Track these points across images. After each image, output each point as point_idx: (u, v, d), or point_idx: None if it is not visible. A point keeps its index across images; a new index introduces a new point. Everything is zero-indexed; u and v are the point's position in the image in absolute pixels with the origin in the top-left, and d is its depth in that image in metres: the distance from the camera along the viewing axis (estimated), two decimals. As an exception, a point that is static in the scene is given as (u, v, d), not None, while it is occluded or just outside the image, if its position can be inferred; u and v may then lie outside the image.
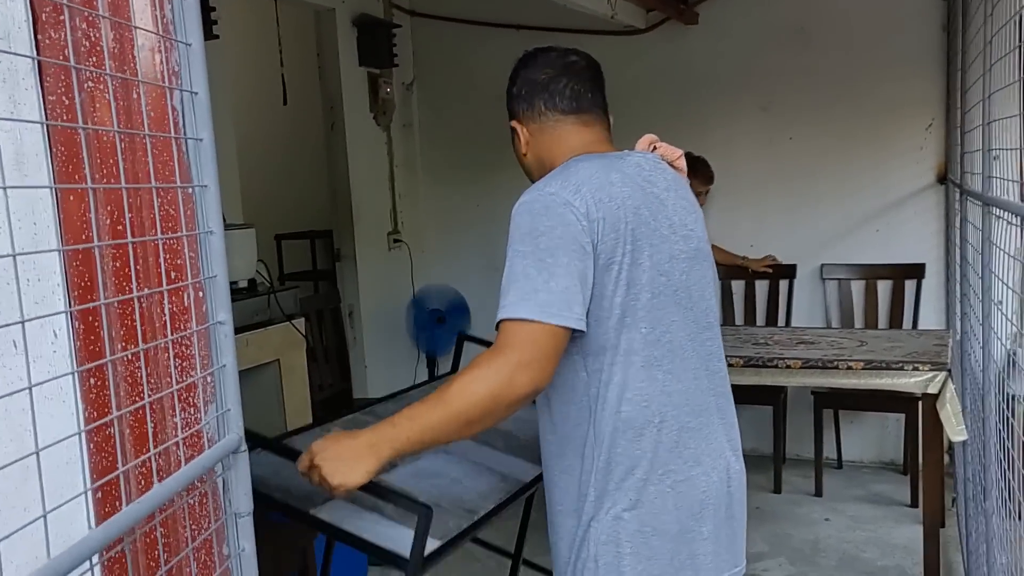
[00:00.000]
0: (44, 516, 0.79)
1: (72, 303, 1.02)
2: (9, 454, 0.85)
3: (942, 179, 3.81)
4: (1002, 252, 1.82)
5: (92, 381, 1.14)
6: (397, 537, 1.43)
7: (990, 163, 1.92)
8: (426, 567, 1.40)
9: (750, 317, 4.11)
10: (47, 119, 0.97)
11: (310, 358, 3.80)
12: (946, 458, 3.44)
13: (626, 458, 1.32)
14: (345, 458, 1.27)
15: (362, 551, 1.48)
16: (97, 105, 1.04)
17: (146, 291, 1.02)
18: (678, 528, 1.35)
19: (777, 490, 3.73)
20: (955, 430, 2.62)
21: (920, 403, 2.86)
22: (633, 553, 1.33)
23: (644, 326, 1.31)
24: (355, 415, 1.95)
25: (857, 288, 3.99)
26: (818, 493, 3.68)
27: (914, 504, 3.47)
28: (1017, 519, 1.65)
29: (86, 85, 1.03)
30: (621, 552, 1.33)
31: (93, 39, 1.02)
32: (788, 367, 2.87)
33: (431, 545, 1.41)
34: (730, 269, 4.00)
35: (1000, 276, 1.85)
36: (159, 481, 1.05)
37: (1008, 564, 1.81)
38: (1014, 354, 1.98)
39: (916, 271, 3.86)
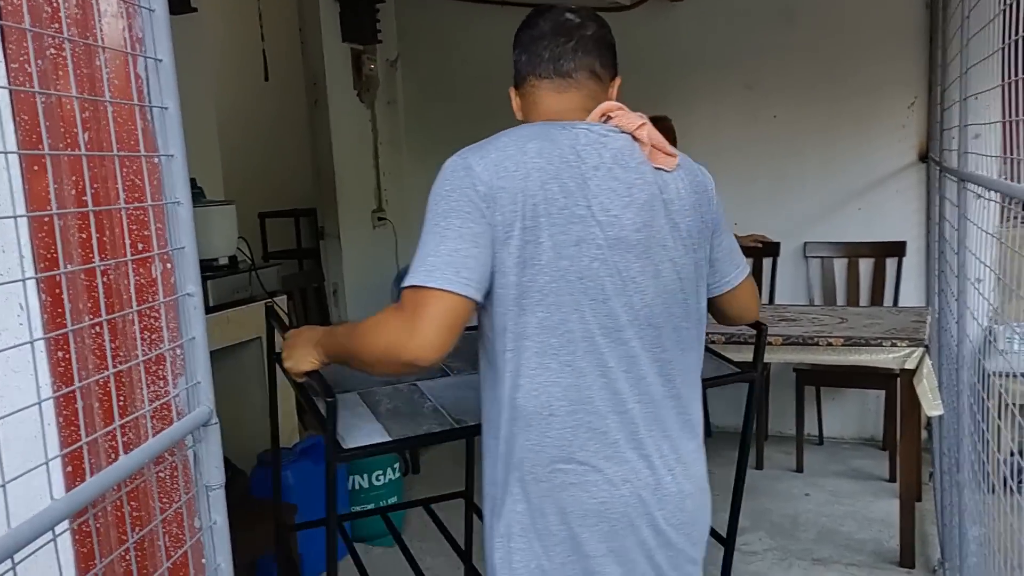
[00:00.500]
0: (3, 485, 0.79)
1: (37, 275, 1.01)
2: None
3: (923, 157, 3.82)
4: (977, 229, 1.83)
5: (60, 354, 1.13)
6: (370, 431, 1.49)
7: (967, 139, 1.93)
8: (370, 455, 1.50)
9: (733, 295, 4.11)
10: (10, 86, 0.96)
11: (293, 336, 3.79)
12: (924, 434, 3.48)
13: (519, 448, 1.25)
14: (298, 348, 1.43)
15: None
16: (60, 73, 1.02)
17: (110, 261, 1.02)
18: (566, 534, 1.26)
19: (759, 466, 3.76)
20: (931, 405, 2.65)
21: (899, 379, 2.88)
22: (523, 550, 1.27)
23: (540, 311, 1.21)
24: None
25: (840, 266, 4.01)
26: (799, 469, 3.72)
27: (892, 479, 3.51)
28: (989, 492, 1.67)
29: (48, 52, 1.02)
30: (513, 548, 1.27)
31: (54, 5, 1.01)
32: (769, 343, 2.89)
33: (373, 438, 1.45)
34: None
35: (976, 253, 1.86)
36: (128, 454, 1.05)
37: (980, 536, 1.84)
38: (989, 332, 2.00)
39: (897, 249, 3.88)
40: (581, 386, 1.23)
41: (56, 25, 0.99)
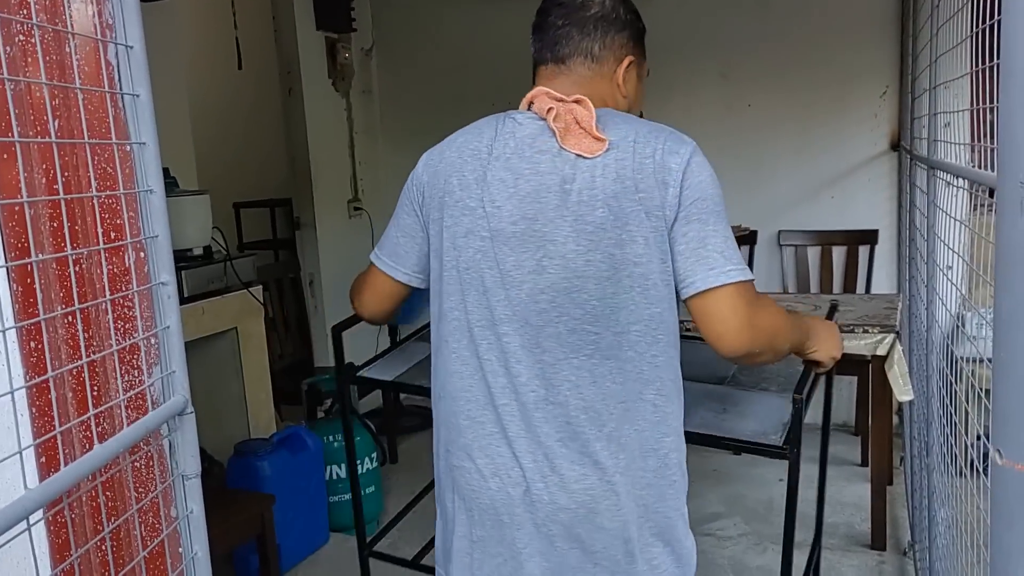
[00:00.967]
0: (-24, 475, 0.78)
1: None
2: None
3: (895, 146, 3.87)
4: (947, 216, 1.86)
5: (32, 344, 1.12)
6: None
7: (936, 127, 1.95)
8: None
9: (709, 283, 4.14)
10: (-25, 74, 0.94)
11: (270, 327, 3.78)
12: (896, 420, 3.54)
13: (434, 423, 1.36)
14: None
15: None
16: (29, 59, 1.01)
17: (82, 250, 1.01)
18: (453, 512, 1.31)
19: (736, 452, 3.80)
20: (902, 390, 2.69)
21: (870, 365, 2.93)
22: (439, 517, 1.38)
23: (442, 299, 1.28)
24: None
25: (813, 254, 4.06)
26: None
27: (864, 464, 3.56)
28: (957, 475, 1.70)
29: (17, 39, 1.00)
30: (445, 518, 1.36)
31: (22, -9, 0.99)
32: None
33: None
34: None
35: (945, 240, 1.89)
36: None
37: (948, 517, 1.88)
38: (958, 318, 2.03)
39: (870, 237, 3.92)
40: (464, 374, 1.27)
41: (25, 11, 0.98)
